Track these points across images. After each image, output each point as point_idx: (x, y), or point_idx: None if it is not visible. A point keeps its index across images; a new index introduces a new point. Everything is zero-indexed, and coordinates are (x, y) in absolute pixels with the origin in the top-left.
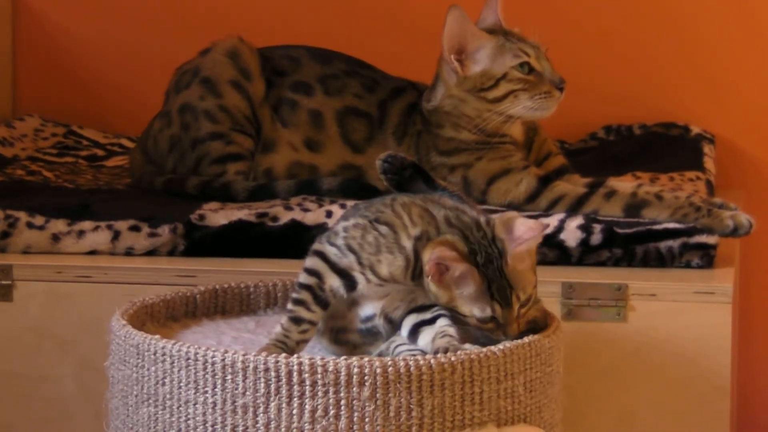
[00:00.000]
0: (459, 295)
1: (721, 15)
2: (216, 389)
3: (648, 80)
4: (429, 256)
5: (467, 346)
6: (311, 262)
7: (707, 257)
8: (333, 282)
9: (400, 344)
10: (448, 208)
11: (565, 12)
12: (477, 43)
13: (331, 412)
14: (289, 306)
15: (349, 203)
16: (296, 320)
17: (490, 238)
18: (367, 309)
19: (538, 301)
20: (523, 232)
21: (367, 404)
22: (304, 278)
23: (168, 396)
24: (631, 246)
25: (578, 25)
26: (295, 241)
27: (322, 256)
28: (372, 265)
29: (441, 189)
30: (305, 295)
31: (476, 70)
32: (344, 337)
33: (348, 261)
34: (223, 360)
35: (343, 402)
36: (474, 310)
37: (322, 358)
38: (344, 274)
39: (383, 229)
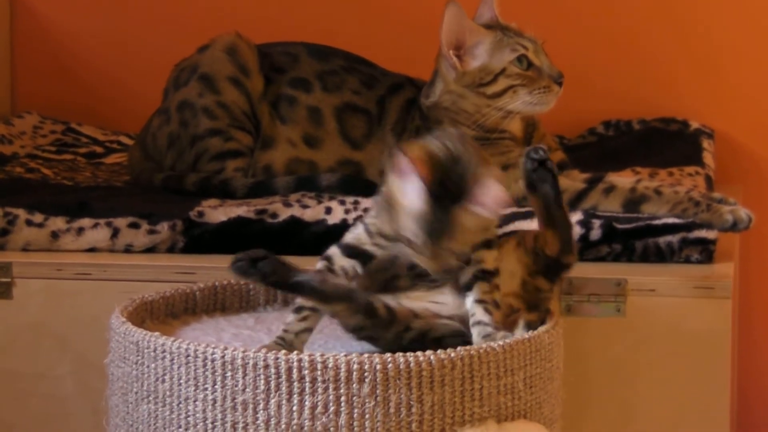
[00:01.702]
0: (405, 204)
1: (720, 9)
2: (216, 386)
3: (647, 75)
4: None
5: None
6: (326, 250)
7: (707, 252)
8: (343, 262)
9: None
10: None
11: (563, 7)
12: (475, 38)
13: (331, 409)
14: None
15: (349, 200)
16: (297, 309)
17: (461, 178)
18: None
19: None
20: (488, 194)
21: (367, 400)
22: (316, 266)
23: (168, 393)
24: (630, 241)
25: (576, 20)
26: (294, 238)
27: (337, 242)
28: (378, 230)
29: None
30: None
31: (475, 66)
32: (394, 283)
33: (355, 234)
34: (222, 357)
35: (343, 398)
36: (405, 226)
37: (322, 355)
38: (354, 252)
39: (382, 190)
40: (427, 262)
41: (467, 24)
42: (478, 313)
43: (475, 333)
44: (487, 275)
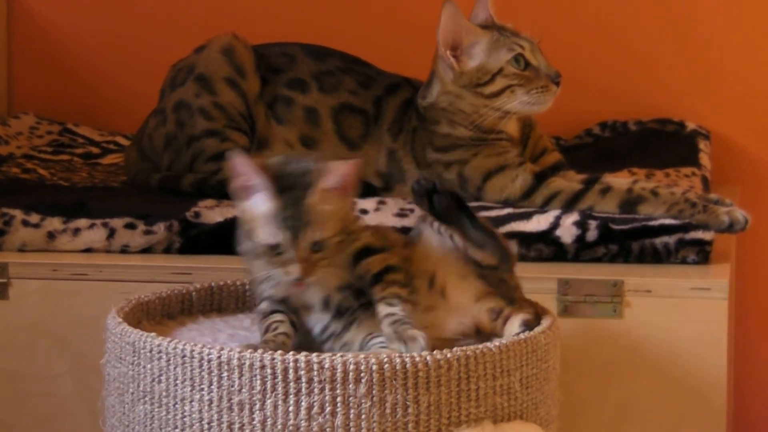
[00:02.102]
0: (257, 215)
1: (716, 10)
2: (212, 386)
3: (643, 76)
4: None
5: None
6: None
7: (703, 253)
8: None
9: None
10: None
11: (560, 7)
12: (472, 38)
13: (327, 409)
14: None
15: None
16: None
17: (304, 171)
18: None
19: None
20: (335, 172)
21: (363, 401)
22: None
23: (164, 393)
24: (626, 242)
25: (573, 20)
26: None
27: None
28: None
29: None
30: None
31: (472, 66)
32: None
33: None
34: (219, 357)
35: (339, 399)
36: (265, 235)
37: (318, 355)
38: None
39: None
40: (298, 268)
41: (464, 24)
42: (381, 310)
43: (385, 325)
44: (377, 279)
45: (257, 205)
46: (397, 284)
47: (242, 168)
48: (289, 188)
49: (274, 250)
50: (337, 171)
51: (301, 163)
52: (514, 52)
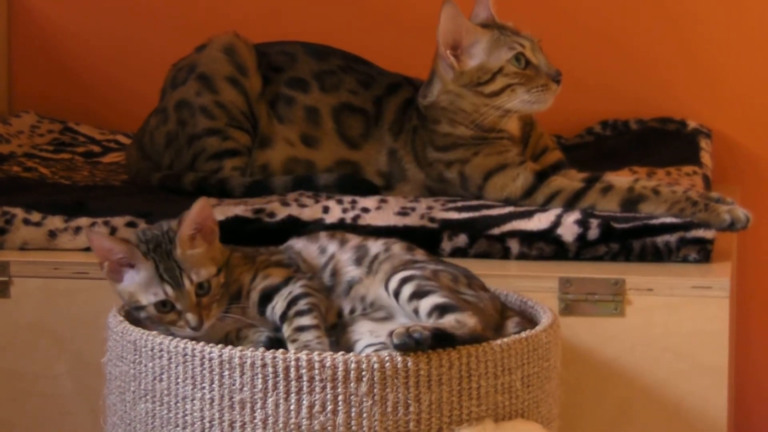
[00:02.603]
0: (135, 285)
1: (717, 10)
2: (213, 385)
3: (644, 75)
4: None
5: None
6: None
7: (704, 252)
8: None
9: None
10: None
11: (561, 6)
12: (472, 37)
13: (329, 408)
14: None
15: (346, 199)
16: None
17: (164, 231)
18: None
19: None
20: (187, 218)
21: (364, 399)
22: None
23: (165, 392)
24: (628, 241)
25: (574, 19)
26: (291, 237)
27: None
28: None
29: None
30: None
31: (472, 65)
32: None
33: None
34: (220, 356)
35: (340, 397)
36: (149, 297)
37: (320, 354)
38: None
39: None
40: (192, 316)
41: (464, 23)
42: (290, 349)
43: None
44: (283, 318)
45: (132, 277)
46: (303, 315)
47: (104, 244)
48: (155, 249)
49: (164, 307)
50: (189, 217)
51: (156, 226)
52: (514, 51)
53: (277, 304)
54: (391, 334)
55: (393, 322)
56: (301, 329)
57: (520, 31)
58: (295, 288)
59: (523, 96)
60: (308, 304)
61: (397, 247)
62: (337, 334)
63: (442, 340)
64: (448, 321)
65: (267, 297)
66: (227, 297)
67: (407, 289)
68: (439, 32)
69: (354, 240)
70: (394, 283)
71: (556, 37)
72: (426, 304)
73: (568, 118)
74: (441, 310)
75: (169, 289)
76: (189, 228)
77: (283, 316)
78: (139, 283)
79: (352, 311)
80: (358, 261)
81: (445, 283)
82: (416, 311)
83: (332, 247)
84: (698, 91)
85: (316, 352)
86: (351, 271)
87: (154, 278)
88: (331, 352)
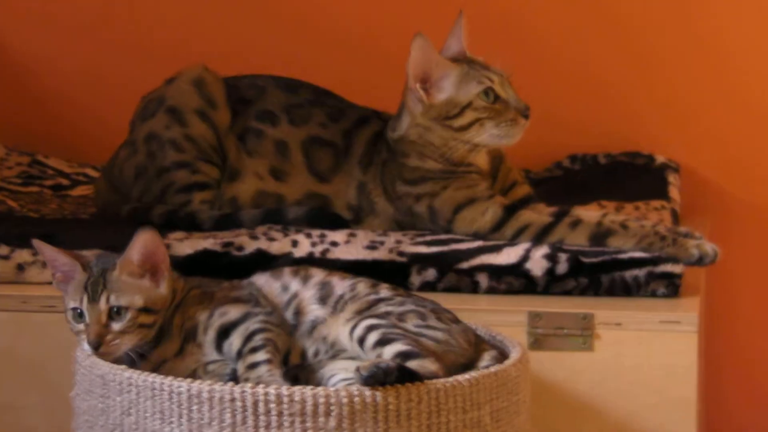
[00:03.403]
0: (69, 290)
1: (683, 46)
2: (182, 419)
3: (613, 110)
4: None
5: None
6: None
7: (673, 286)
8: None
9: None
10: None
11: (530, 41)
12: (441, 71)
13: None
14: None
15: (315, 233)
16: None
17: (118, 254)
18: None
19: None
20: (132, 245)
21: None
22: None
23: (134, 427)
24: (596, 275)
25: (542, 55)
26: (260, 270)
27: None
28: None
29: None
30: None
31: (441, 99)
32: None
33: None
34: (188, 390)
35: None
36: (70, 302)
37: (288, 388)
38: None
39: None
40: (92, 331)
41: (434, 57)
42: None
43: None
44: (239, 355)
45: (72, 280)
46: (257, 351)
47: (51, 255)
48: (96, 266)
49: (79, 317)
50: (133, 243)
51: (116, 254)
52: (483, 86)
53: (234, 341)
54: (357, 369)
55: (359, 361)
56: (252, 366)
57: (490, 66)
58: (252, 323)
59: (491, 130)
60: (263, 340)
61: (362, 286)
62: (305, 375)
63: (407, 374)
64: (411, 365)
65: (224, 333)
66: (146, 338)
67: (372, 337)
68: (409, 65)
69: (317, 276)
70: (360, 331)
71: (525, 72)
72: (389, 351)
73: (537, 152)
74: (404, 357)
75: (84, 300)
76: (132, 253)
77: (239, 353)
78: (71, 289)
79: (316, 353)
80: (323, 300)
81: (411, 328)
82: (379, 357)
83: (295, 284)
84: (666, 125)
85: (284, 387)
86: (315, 311)
87: (81, 286)
88: (299, 386)
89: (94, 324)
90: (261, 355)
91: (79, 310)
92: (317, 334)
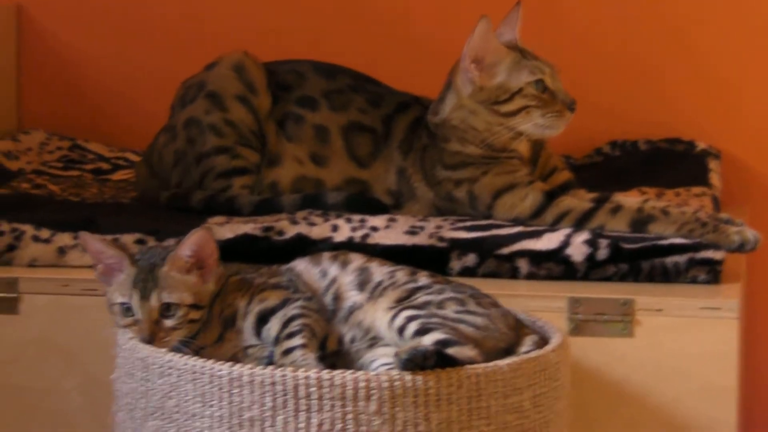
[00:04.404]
0: (116, 284)
1: (726, 31)
2: (222, 403)
3: (653, 96)
4: None
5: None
6: None
7: (713, 273)
8: None
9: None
10: None
11: (572, 28)
12: (496, 56)
13: (338, 426)
14: None
15: (355, 218)
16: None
17: (164, 248)
18: None
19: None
20: (185, 242)
21: (373, 418)
22: None
23: (174, 409)
24: (637, 261)
25: (584, 41)
26: (301, 255)
27: None
28: None
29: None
30: None
31: (493, 83)
32: None
33: None
34: (229, 373)
35: (349, 416)
36: (119, 297)
37: (329, 372)
38: None
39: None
40: (145, 329)
41: (492, 41)
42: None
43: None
44: (277, 341)
45: (118, 279)
46: (293, 336)
47: (96, 247)
48: (144, 260)
49: (128, 312)
50: (186, 240)
51: (162, 246)
52: (535, 76)
53: (273, 326)
54: (397, 353)
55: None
56: (288, 351)
57: (541, 57)
58: (290, 309)
59: (537, 119)
60: (299, 325)
61: (401, 274)
62: (342, 361)
63: (445, 359)
64: (450, 351)
65: (263, 319)
66: (193, 332)
67: (412, 327)
68: (468, 44)
69: (356, 261)
70: (399, 321)
71: (567, 58)
72: (428, 340)
73: (578, 139)
74: (443, 344)
75: (135, 297)
76: (184, 250)
77: (276, 339)
78: (119, 284)
79: (353, 340)
80: (361, 286)
81: (451, 315)
82: None
83: (334, 269)
84: (708, 111)
85: (325, 371)
86: (353, 296)
87: (130, 282)
88: (340, 370)
89: (146, 321)
90: (296, 340)
91: (127, 306)
92: (354, 319)
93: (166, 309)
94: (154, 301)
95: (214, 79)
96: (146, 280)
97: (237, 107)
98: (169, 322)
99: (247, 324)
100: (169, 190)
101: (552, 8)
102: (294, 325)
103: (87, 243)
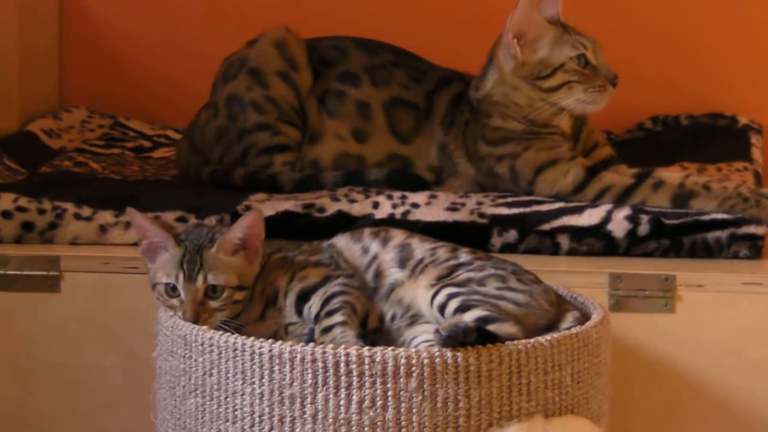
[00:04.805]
0: (160, 263)
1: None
2: (263, 380)
3: (696, 70)
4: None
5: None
6: None
7: (755, 248)
8: None
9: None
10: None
11: (611, 3)
12: (539, 31)
13: (379, 403)
14: None
15: (396, 194)
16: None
17: (210, 229)
18: None
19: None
20: (236, 225)
21: (414, 395)
22: None
23: (215, 387)
24: (678, 237)
25: (625, 16)
26: (342, 232)
27: None
28: None
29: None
30: None
31: (535, 58)
32: None
33: None
34: (270, 351)
35: (390, 393)
36: (164, 277)
37: (370, 349)
38: None
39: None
40: (189, 308)
41: (535, 16)
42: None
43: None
44: (317, 318)
45: (162, 257)
46: (333, 314)
47: (143, 224)
48: (190, 240)
49: (173, 291)
50: (239, 224)
51: (206, 224)
52: (577, 51)
53: (313, 304)
54: (437, 330)
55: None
56: (327, 329)
57: (582, 32)
58: (331, 287)
59: (579, 95)
60: (340, 302)
61: (442, 251)
62: (383, 339)
63: (486, 336)
64: (491, 328)
65: (304, 297)
66: (236, 312)
67: (453, 304)
68: (511, 19)
69: (397, 237)
70: (440, 298)
71: (608, 33)
72: (469, 317)
73: (619, 114)
74: (483, 321)
75: (181, 278)
76: (235, 233)
77: (317, 317)
78: (163, 262)
79: (393, 317)
80: (402, 263)
81: (492, 291)
82: None
83: (375, 246)
84: (750, 86)
85: (366, 348)
86: (394, 273)
87: (176, 263)
88: (380, 347)
89: (191, 302)
90: (336, 318)
91: (172, 285)
92: (395, 297)
93: (212, 290)
94: (200, 283)
95: (256, 56)
96: (192, 261)
97: (278, 84)
98: (213, 303)
99: (288, 302)
100: (211, 166)
101: None
102: (334, 303)
103: (134, 219)
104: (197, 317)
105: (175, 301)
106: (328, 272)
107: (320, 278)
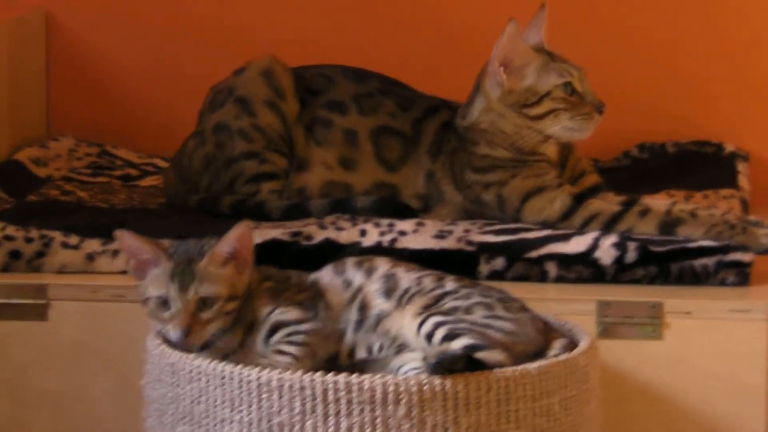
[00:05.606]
0: (151, 278)
1: (753, 33)
2: (252, 408)
3: (682, 98)
4: None
5: None
6: None
7: (742, 275)
8: None
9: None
10: None
11: (599, 29)
12: (525, 59)
13: (367, 431)
14: None
15: (384, 222)
16: None
17: (200, 243)
18: None
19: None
20: (225, 238)
21: (402, 422)
22: None
23: (204, 415)
24: (666, 264)
25: (611, 43)
26: (329, 260)
27: None
28: None
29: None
30: None
31: (521, 86)
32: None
33: None
34: (258, 378)
35: (378, 420)
36: (155, 291)
37: (358, 376)
38: None
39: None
40: (181, 321)
41: (520, 44)
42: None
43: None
44: (272, 332)
45: (152, 273)
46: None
47: (133, 243)
48: (180, 254)
49: (164, 305)
50: (228, 237)
51: (196, 240)
52: (564, 79)
53: (278, 336)
54: (425, 357)
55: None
56: (279, 352)
57: (568, 60)
58: (300, 327)
59: (566, 122)
60: (302, 341)
61: (428, 280)
62: (372, 369)
63: (474, 363)
64: (478, 356)
65: (275, 330)
66: (227, 324)
67: (440, 333)
68: (497, 48)
69: (382, 267)
70: (427, 327)
71: (594, 60)
72: (457, 345)
73: (606, 141)
74: (471, 349)
75: (173, 290)
76: (225, 246)
77: (276, 343)
78: (154, 277)
79: (381, 348)
80: (388, 293)
81: (479, 320)
82: None
83: (359, 277)
84: (736, 114)
85: (354, 375)
86: (380, 304)
87: (167, 276)
88: (369, 375)
89: (183, 313)
90: (292, 350)
91: (164, 299)
92: (381, 328)
93: (203, 302)
94: (191, 294)
95: (243, 84)
96: (184, 273)
97: (265, 112)
98: (205, 315)
99: (262, 332)
100: (198, 194)
101: (579, 8)
102: (297, 338)
103: (123, 239)
104: (189, 329)
105: (165, 315)
106: (305, 317)
107: (295, 318)
